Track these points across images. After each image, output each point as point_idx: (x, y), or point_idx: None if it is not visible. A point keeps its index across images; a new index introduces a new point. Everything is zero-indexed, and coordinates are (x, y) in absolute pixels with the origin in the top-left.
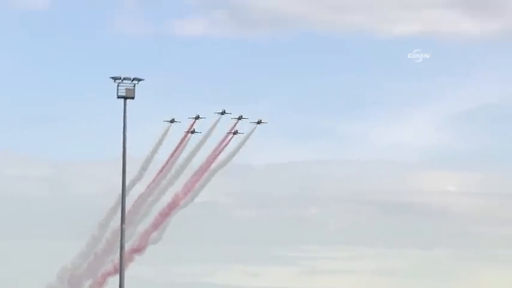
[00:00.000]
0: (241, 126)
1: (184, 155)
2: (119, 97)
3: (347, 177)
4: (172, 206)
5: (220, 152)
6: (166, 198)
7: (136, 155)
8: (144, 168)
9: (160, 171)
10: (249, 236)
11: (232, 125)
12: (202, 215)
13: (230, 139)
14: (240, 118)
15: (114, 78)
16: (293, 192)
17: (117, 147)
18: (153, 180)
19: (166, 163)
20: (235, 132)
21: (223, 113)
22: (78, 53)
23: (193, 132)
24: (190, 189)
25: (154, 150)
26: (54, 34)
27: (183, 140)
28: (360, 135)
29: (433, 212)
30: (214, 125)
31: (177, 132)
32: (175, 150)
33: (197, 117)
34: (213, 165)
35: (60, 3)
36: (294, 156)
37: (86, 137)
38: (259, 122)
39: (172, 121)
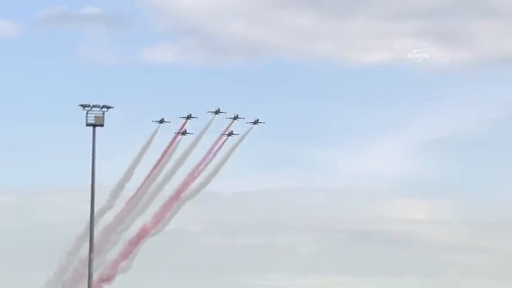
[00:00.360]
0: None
1: (169, 165)
2: (88, 125)
3: (316, 205)
4: (142, 235)
5: (214, 155)
6: (135, 228)
7: (105, 183)
8: (113, 196)
9: (133, 196)
10: (218, 264)
11: (227, 125)
12: (172, 243)
13: (224, 141)
14: (235, 118)
15: (83, 106)
16: (262, 220)
17: (87, 175)
18: (123, 209)
19: (155, 168)
20: (230, 134)
21: (217, 112)
22: (47, 80)
23: (184, 133)
24: (160, 219)
25: (126, 178)
26: (23, 61)
27: (172, 142)
28: (329, 162)
29: (402, 240)
30: (208, 125)
31: (166, 134)
32: (163, 155)
33: (189, 117)
34: (184, 194)
35: (29, 30)
36: (263, 184)
37: (55, 165)
38: (255, 122)
39: (161, 121)
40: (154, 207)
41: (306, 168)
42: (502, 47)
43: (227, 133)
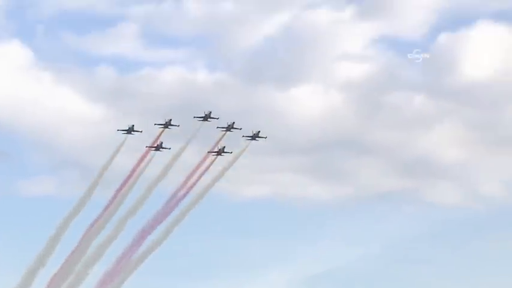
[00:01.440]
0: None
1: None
2: None
3: None
4: None
5: (199, 178)
6: None
7: None
8: None
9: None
10: None
11: (218, 139)
12: None
13: (212, 161)
14: (229, 128)
15: None
16: None
17: None
18: None
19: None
20: (221, 152)
21: (206, 118)
22: None
23: (158, 148)
24: None
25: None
26: None
27: (142, 159)
28: None
29: None
30: (191, 138)
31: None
32: (134, 169)
33: (167, 125)
34: None
35: None
36: None
37: None
38: (254, 137)
39: (130, 131)
40: None
41: None
42: (379, 183)
43: (216, 150)
